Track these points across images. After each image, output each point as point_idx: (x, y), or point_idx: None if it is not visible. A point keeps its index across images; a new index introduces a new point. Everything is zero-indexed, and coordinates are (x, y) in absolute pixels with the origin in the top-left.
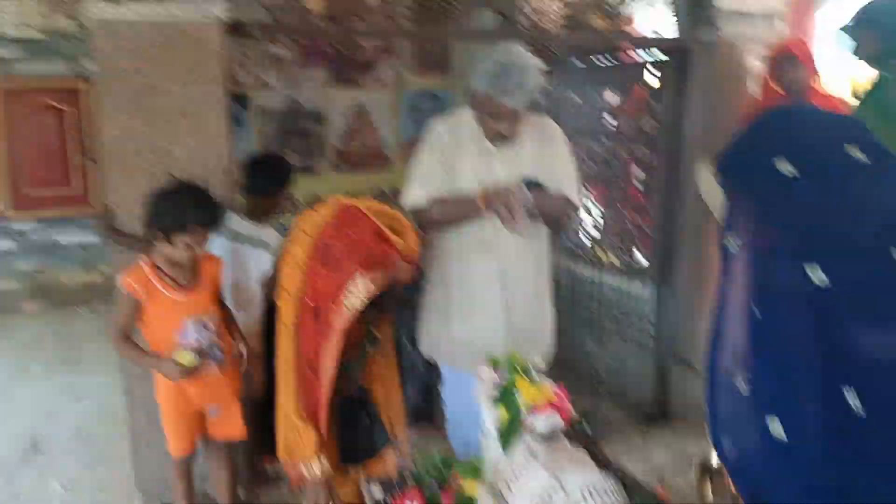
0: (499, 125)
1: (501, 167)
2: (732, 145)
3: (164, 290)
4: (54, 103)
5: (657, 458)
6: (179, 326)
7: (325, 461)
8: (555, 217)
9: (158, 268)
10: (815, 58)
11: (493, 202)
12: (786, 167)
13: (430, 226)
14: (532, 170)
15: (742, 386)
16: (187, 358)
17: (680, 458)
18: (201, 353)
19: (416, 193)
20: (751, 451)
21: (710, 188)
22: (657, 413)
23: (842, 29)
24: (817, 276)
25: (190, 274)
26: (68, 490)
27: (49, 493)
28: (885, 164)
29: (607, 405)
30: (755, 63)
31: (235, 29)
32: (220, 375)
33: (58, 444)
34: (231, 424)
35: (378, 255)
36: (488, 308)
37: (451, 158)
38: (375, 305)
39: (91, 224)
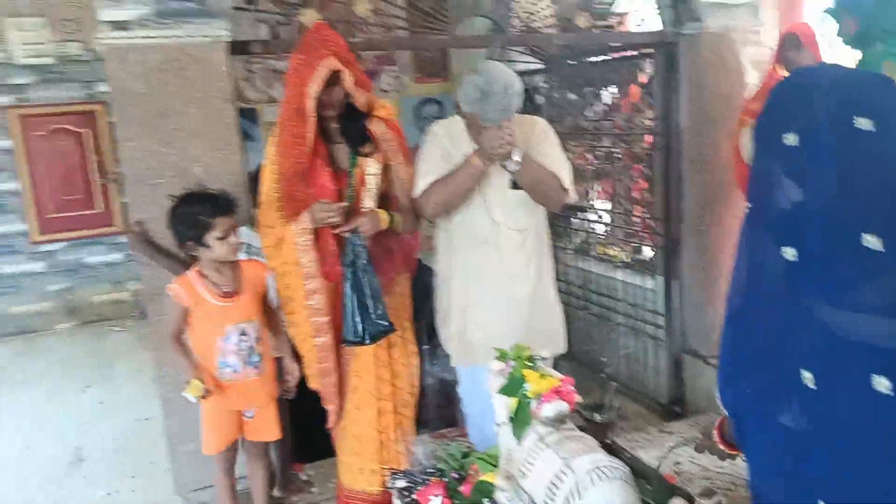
0: None
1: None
2: (760, 113)
3: (208, 298)
4: (72, 127)
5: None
6: (222, 333)
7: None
8: (543, 188)
9: (204, 276)
10: (819, 42)
11: (484, 146)
12: (790, 137)
13: (434, 209)
14: None
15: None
16: (196, 390)
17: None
18: (240, 358)
19: (422, 183)
20: (738, 407)
21: (748, 154)
22: (672, 405)
23: (825, 11)
24: (789, 251)
25: (233, 281)
26: (111, 496)
27: (94, 501)
28: (890, 134)
29: (623, 399)
30: (746, 52)
31: (238, 47)
32: (257, 379)
33: (99, 456)
34: (265, 427)
35: (348, 55)
36: (492, 303)
37: (453, 151)
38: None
39: (127, 238)
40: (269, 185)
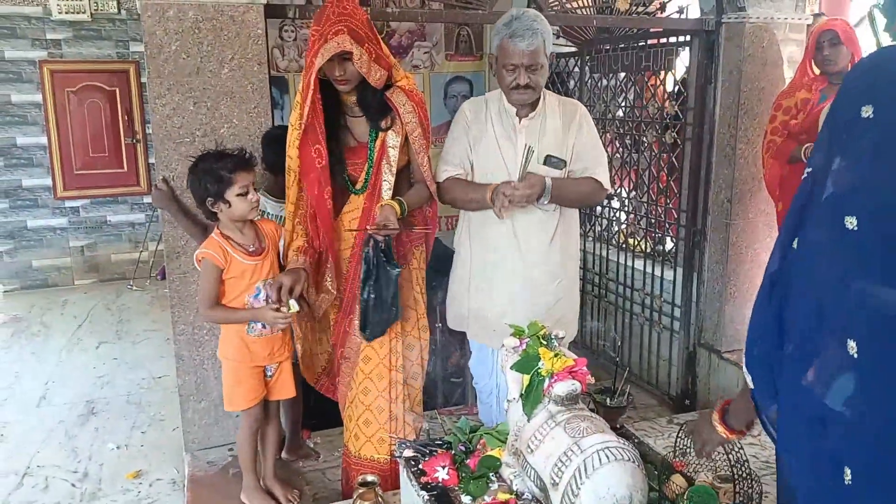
0: (518, 79)
1: (526, 139)
2: (842, 84)
3: (238, 257)
4: (103, 85)
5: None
6: (252, 290)
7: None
8: (582, 200)
9: (227, 237)
10: (857, 41)
11: (496, 192)
12: (867, 109)
13: (450, 203)
14: (556, 144)
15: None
16: (295, 306)
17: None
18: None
19: (443, 169)
20: (766, 371)
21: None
22: (683, 398)
23: (875, 6)
24: (851, 220)
25: (256, 240)
26: (122, 449)
27: (105, 453)
28: None
29: (634, 389)
30: (786, 46)
31: (274, 11)
32: (279, 335)
33: (112, 409)
34: (284, 384)
35: (367, 31)
36: (509, 282)
37: (477, 133)
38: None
39: (152, 194)
40: (291, 152)
